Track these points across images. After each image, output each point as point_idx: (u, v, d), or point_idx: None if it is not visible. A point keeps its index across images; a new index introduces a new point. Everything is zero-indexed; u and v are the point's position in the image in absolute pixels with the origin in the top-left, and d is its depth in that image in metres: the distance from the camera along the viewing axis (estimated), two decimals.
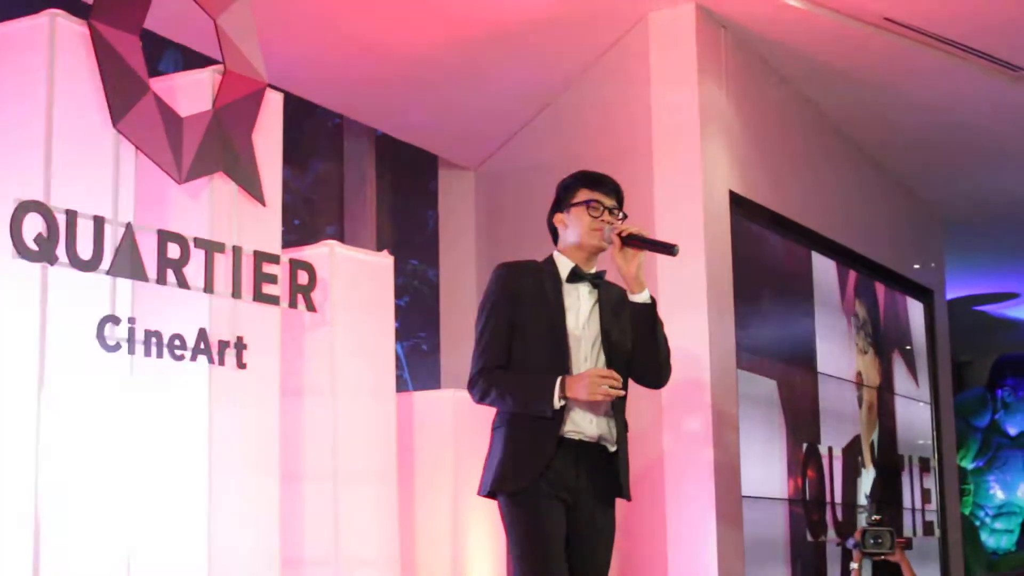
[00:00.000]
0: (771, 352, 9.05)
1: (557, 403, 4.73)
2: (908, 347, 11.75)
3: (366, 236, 9.13)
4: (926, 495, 11.75)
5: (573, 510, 4.83)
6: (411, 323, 9.85)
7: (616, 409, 4.99)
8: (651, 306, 4.96)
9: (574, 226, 4.96)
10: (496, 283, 4.90)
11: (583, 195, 4.95)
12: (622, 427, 5.03)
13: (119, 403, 5.30)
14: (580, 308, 4.88)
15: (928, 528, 11.79)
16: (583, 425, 4.87)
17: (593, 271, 4.98)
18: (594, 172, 5.06)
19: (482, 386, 4.92)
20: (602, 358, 5.01)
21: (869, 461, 10.43)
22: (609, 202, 4.95)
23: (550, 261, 5.00)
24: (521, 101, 8.75)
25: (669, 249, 4.91)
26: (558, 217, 5.05)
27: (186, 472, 5.64)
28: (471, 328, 9.15)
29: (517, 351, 5.01)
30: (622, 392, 4.91)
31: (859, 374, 10.39)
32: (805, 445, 9.40)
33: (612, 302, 5.06)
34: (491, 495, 4.97)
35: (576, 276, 4.86)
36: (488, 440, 5.17)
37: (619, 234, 4.85)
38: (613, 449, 4.96)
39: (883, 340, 11.03)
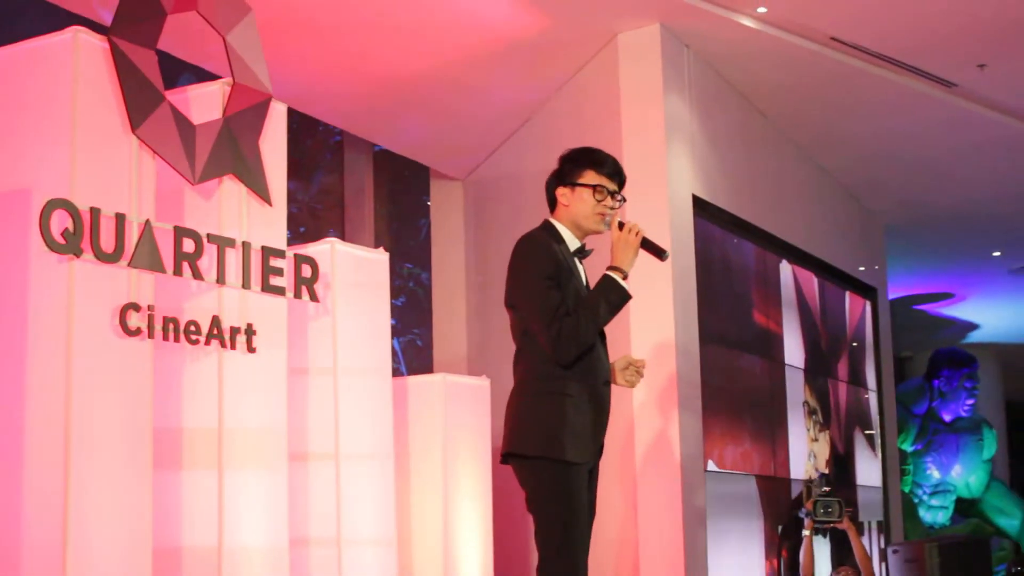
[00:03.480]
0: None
1: (623, 282, 4.54)
2: (855, 344, 11.76)
3: (365, 241, 9.10)
4: None
5: (591, 475, 4.60)
6: (407, 321, 9.83)
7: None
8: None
9: (577, 205, 4.66)
10: (539, 252, 4.54)
11: (590, 178, 4.67)
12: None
13: (140, 388, 5.29)
14: (583, 279, 4.65)
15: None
16: (603, 378, 4.63)
17: (584, 246, 4.75)
18: (600, 153, 4.78)
19: (572, 335, 4.42)
20: None
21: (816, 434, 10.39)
22: (612, 186, 4.70)
23: (553, 231, 4.69)
24: (504, 116, 8.76)
25: (660, 254, 4.76)
26: (561, 191, 4.73)
27: (201, 452, 5.65)
28: (462, 324, 9.24)
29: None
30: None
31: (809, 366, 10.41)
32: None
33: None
34: (541, 459, 4.43)
35: (579, 252, 4.67)
36: (516, 403, 4.66)
37: (643, 241, 4.63)
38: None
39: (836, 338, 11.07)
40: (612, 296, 4.48)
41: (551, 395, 4.40)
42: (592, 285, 4.71)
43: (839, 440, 10.92)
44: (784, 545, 8.72)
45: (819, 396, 10.59)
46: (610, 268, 4.51)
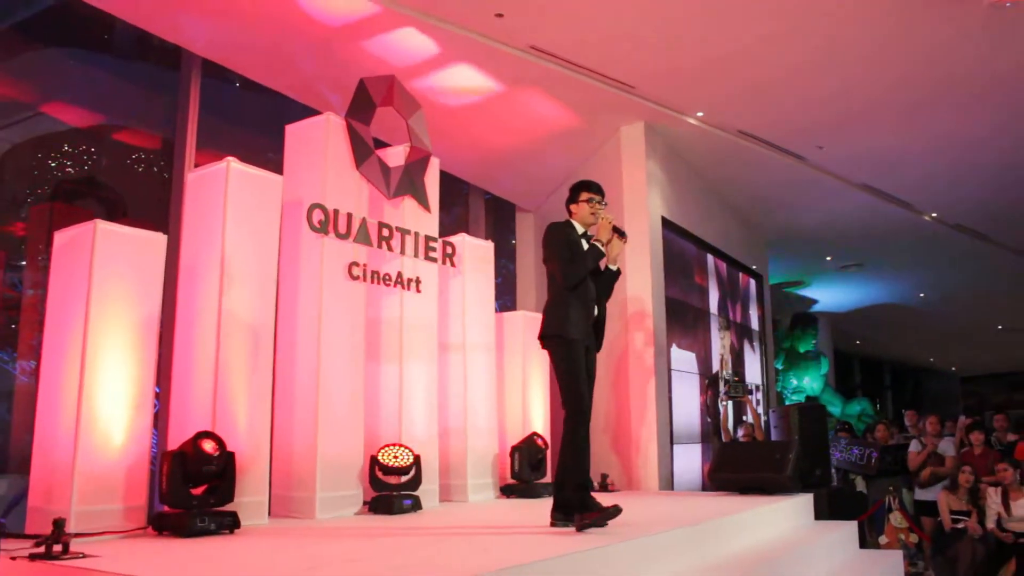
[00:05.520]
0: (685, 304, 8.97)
1: (602, 246, 4.43)
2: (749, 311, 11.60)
3: None
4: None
5: (587, 351, 4.57)
6: (501, 292, 9.74)
7: (600, 303, 4.64)
8: (617, 274, 4.73)
9: (580, 213, 4.50)
10: (560, 231, 4.51)
11: (585, 196, 4.55)
12: (603, 309, 4.70)
13: (358, 309, 5.32)
14: (584, 247, 4.57)
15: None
16: (592, 306, 4.47)
17: (588, 233, 4.69)
18: (587, 182, 4.68)
19: (572, 271, 4.35)
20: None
21: (729, 355, 10.22)
22: (598, 198, 4.59)
23: (570, 224, 4.54)
24: (556, 174, 8.73)
25: (623, 235, 4.71)
26: (572, 207, 4.61)
27: (391, 346, 5.67)
28: (537, 295, 9.20)
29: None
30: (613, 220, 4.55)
31: (726, 319, 10.26)
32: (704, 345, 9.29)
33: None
34: (556, 337, 4.33)
35: (584, 237, 4.64)
36: (546, 310, 4.46)
37: (612, 226, 4.60)
38: (599, 321, 4.62)
39: (736, 302, 10.91)
40: (593, 253, 4.43)
41: (561, 304, 4.37)
42: (610, 261, 4.66)
43: (738, 347, 10.75)
44: (708, 391, 8.57)
45: (726, 322, 10.47)
46: (595, 240, 4.46)
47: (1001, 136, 8.66)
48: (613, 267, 4.66)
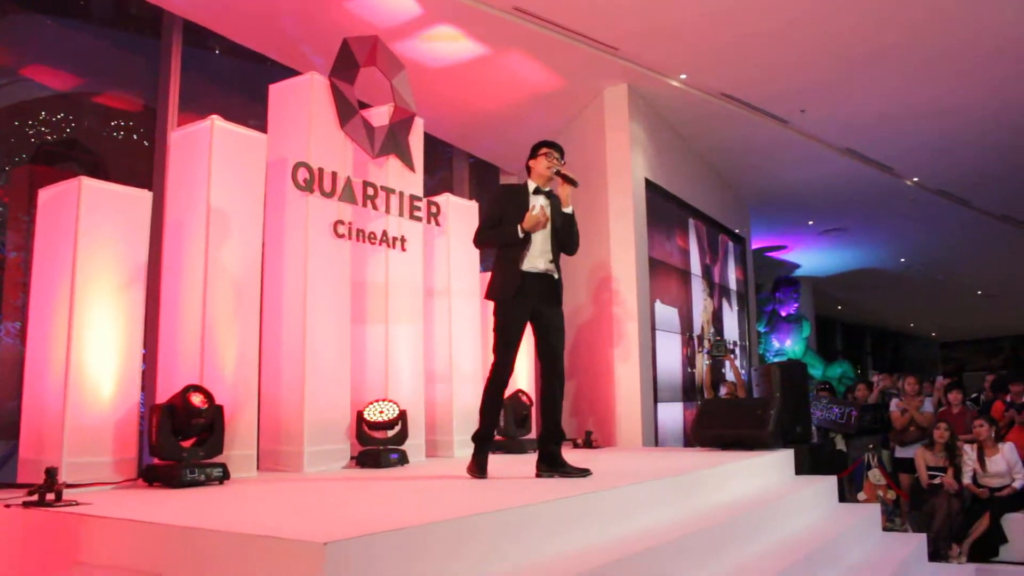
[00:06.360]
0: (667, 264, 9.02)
1: (520, 233, 4.41)
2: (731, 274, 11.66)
3: None
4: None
5: (537, 310, 4.60)
6: (486, 253, 9.76)
7: (555, 256, 4.58)
8: (571, 215, 4.72)
9: (537, 166, 4.55)
10: (501, 195, 4.51)
11: (543, 151, 4.59)
12: (557, 267, 4.60)
13: (344, 267, 5.34)
14: (537, 207, 4.58)
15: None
16: (537, 263, 4.50)
17: (547, 189, 4.71)
18: (547, 140, 4.73)
19: (479, 236, 4.57)
20: (547, 231, 4.51)
21: (711, 320, 10.29)
22: (555, 153, 4.59)
23: (521, 187, 4.59)
24: (540, 136, 8.63)
25: (573, 183, 4.72)
26: (531, 162, 4.63)
27: (376, 304, 5.69)
28: None
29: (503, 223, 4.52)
30: (546, 217, 4.49)
31: (711, 283, 10.32)
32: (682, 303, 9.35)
33: (556, 205, 4.82)
34: (491, 298, 4.50)
35: (537, 192, 4.64)
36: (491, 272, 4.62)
37: (556, 172, 4.63)
38: (556, 277, 4.63)
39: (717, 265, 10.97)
40: (509, 236, 4.45)
41: (494, 265, 4.50)
42: (552, 211, 4.62)
43: (718, 307, 10.81)
44: (690, 344, 8.68)
45: (709, 285, 10.54)
46: (522, 225, 4.47)
47: (985, 103, 8.71)
48: (567, 210, 4.64)
